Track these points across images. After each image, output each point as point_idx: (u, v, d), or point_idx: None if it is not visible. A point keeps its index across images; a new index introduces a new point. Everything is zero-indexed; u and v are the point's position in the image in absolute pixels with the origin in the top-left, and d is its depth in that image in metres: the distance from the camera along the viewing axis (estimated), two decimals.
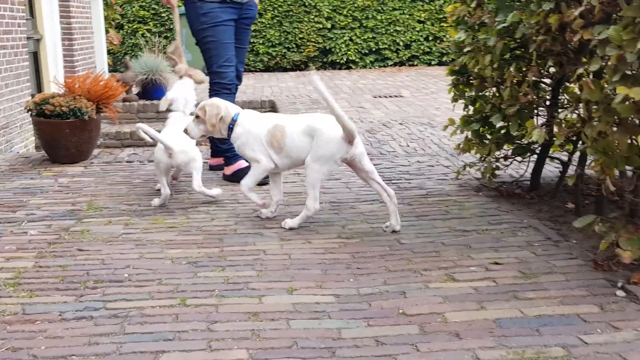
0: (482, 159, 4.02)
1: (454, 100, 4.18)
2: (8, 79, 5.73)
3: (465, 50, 3.87)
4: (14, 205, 3.88)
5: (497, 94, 3.75)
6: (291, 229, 3.41)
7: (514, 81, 3.42)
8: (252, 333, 2.27)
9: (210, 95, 4.55)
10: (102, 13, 9.54)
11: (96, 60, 9.21)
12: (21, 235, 3.33)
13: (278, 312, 2.44)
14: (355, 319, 2.38)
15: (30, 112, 5.06)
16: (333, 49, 13.26)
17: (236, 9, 4.48)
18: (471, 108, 4.05)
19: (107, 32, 9.88)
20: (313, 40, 13.22)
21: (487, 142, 3.93)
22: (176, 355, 2.13)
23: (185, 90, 4.31)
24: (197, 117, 3.58)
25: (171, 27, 13.41)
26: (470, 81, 3.98)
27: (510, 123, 3.56)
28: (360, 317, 2.39)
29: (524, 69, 3.53)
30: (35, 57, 7.17)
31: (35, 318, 2.39)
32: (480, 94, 3.93)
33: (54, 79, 6.39)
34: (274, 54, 13.20)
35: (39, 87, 7.18)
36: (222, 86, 4.50)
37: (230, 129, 3.54)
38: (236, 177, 4.41)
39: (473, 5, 3.74)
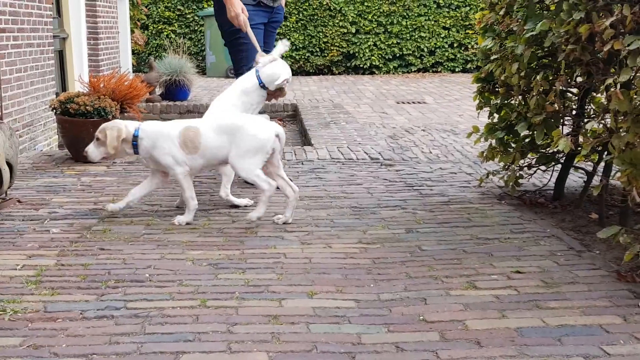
0: (506, 167, 3.99)
1: (479, 107, 4.15)
2: (34, 77, 5.79)
3: (492, 57, 3.84)
4: (36, 203, 3.92)
5: (523, 103, 3.72)
6: (258, 218, 3.49)
7: (541, 90, 3.39)
8: (272, 336, 2.27)
9: None
10: (128, 13, 9.63)
11: (121, 60, 9.29)
12: (44, 233, 3.36)
13: (298, 315, 2.43)
14: (376, 325, 2.36)
15: (54, 111, 5.11)
16: (357, 54, 13.26)
17: (267, 12, 4.49)
18: (496, 116, 4.02)
19: (132, 32, 9.96)
20: (337, 44, 13.24)
21: (511, 150, 3.90)
22: (196, 357, 2.13)
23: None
24: (98, 139, 3.54)
25: (195, 28, 13.51)
26: (496, 89, 3.95)
27: (535, 132, 3.53)
28: (380, 323, 2.38)
29: (551, 78, 3.50)
30: (61, 56, 7.24)
31: (57, 316, 2.40)
32: (506, 102, 3.90)
33: (79, 78, 6.45)
34: (297, 57, 13.23)
35: (63, 86, 7.25)
36: None
37: (135, 145, 3.54)
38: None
39: (501, 13, 3.72)
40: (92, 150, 3.56)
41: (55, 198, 4.03)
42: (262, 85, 4.08)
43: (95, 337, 2.24)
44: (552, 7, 3.29)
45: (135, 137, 3.52)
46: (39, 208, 3.81)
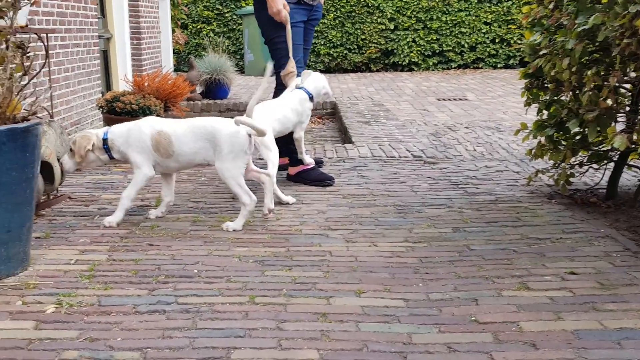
0: (556, 165, 3.91)
1: (527, 104, 4.08)
2: (81, 76, 5.89)
3: (541, 53, 3.77)
4: (86, 199, 3.98)
5: (574, 99, 3.64)
6: (235, 230, 3.39)
7: (593, 85, 3.31)
8: (322, 334, 2.26)
9: (276, 96, 4.56)
10: (169, 13, 9.74)
11: (162, 59, 9.40)
12: (94, 228, 3.41)
13: (347, 314, 2.42)
14: (426, 325, 2.34)
15: (101, 109, 5.19)
16: (395, 51, 13.19)
17: (307, 10, 4.49)
18: (545, 112, 3.94)
19: (173, 31, 10.07)
20: (375, 41, 13.19)
21: (561, 147, 3.82)
22: (247, 352, 2.14)
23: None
24: (71, 149, 3.48)
25: (234, 27, 13.60)
26: (546, 85, 3.87)
27: (588, 129, 3.44)
28: (430, 323, 2.35)
29: (603, 73, 3.42)
30: (105, 56, 7.36)
31: (111, 310, 2.43)
32: (555, 98, 3.82)
33: (124, 77, 6.54)
34: (335, 55, 13.22)
35: (108, 85, 7.37)
36: None
37: (106, 149, 3.46)
38: (300, 178, 4.42)
39: (551, 6, 3.63)
40: (66, 161, 3.51)
41: (104, 195, 4.09)
42: (311, 98, 4.30)
43: (148, 331, 2.26)
44: (605, 0, 3.20)
45: (104, 141, 3.45)
46: (89, 204, 3.88)
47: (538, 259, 2.97)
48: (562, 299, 2.54)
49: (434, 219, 3.57)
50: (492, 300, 2.54)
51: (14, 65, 2.75)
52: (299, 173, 4.44)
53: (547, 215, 3.63)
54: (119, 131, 3.47)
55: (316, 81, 4.35)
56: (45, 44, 3.78)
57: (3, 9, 2.79)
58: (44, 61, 3.86)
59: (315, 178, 4.38)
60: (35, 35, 3.74)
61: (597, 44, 3.40)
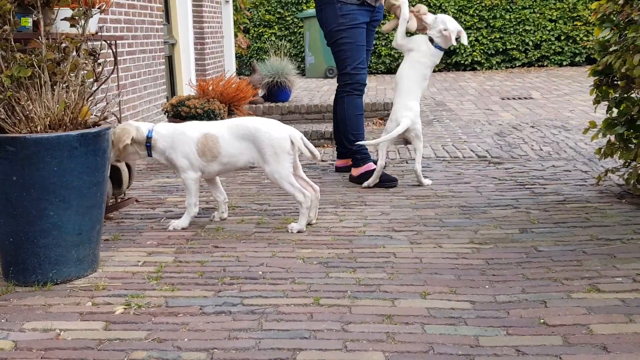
0: (627, 164, 3.79)
1: (596, 101, 3.96)
2: (147, 81, 6.04)
3: (610, 49, 3.65)
4: (153, 202, 4.08)
5: None
6: (299, 232, 3.37)
7: None
8: (387, 336, 2.25)
9: (340, 97, 4.55)
10: (232, 18, 9.88)
11: (225, 63, 9.54)
12: (161, 231, 3.49)
13: (412, 316, 2.40)
14: (494, 327, 2.29)
15: (167, 114, 5.31)
16: (457, 50, 13.02)
17: (370, 11, 4.50)
18: (615, 110, 3.83)
19: (235, 36, 10.21)
20: None
21: (632, 146, 3.70)
22: (313, 354, 2.14)
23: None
24: (112, 141, 3.41)
25: (295, 30, 13.69)
26: (615, 82, 3.76)
27: None
28: (498, 325, 2.30)
29: None
30: (170, 61, 7.52)
31: (178, 311, 2.48)
32: (626, 95, 3.71)
33: (189, 82, 6.67)
34: (396, 55, 13.14)
35: (172, 90, 7.53)
36: (354, 87, 4.52)
37: (148, 147, 3.44)
38: (363, 178, 4.41)
39: (621, 2, 3.53)
40: None
41: (169, 197, 4.18)
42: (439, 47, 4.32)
43: (215, 332, 2.30)
44: None
45: (148, 139, 3.44)
46: (155, 207, 3.97)
47: (608, 260, 2.88)
48: (634, 301, 2.46)
49: (500, 220, 3.51)
50: (561, 302, 2.47)
51: (85, 72, 2.84)
52: (362, 174, 4.44)
53: (618, 215, 3.51)
54: (165, 134, 3.45)
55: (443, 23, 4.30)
56: (114, 50, 3.89)
57: (75, 17, 2.89)
58: (112, 67, 3.98)
59: (379, 179, 4.37)
60: (105, 42, 3.86)
61: None
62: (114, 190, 3.81)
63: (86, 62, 2.79)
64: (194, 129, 3.47)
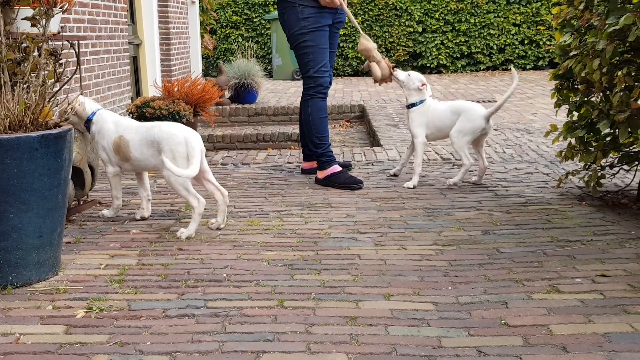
0: (587, 166, 3.86)
1: (557, 105, 4.04)
2: (111, 82, 5.97)
3: (571, 54, 3.73)
4: None
5: (605, 100, 3.59)
6: (188, 238, 3.35)
7: (624, 86, 3.27)
8: (351, 337, 2.26)
9: (304, 100, 4.57)
10: (198, 18, 9.82)
11: (191, 64, 9.49)
12: (124, 233, 3.45)
13: (376, 317, 2.41)
14: (456, 328, 2.32)
15: (131, 115, 5.26)
16: (423, 53, 13.14)
17: (332, 13, 4.51)
18: (575, 114, 3.90)
19: (202, 37, 10.16)
20: (403, 44, 13.15)
21: (592, 149, 3.77)
22: (277, 356, 2.14)
23: None
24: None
25: (262, 32, 13.67)
26: (576, 86, 3.83)
27: (619, 130, 3.39)
28: (460, 326, 2.33)
29: (634, 74, 3.37)
30: (135, 62, 7.45)
31: (140, 314, 2.46)
32: (586, 99, 3.78)
33: (154, 83, 6.61)
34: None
35: (137, 91, 7.46)
36: (317, 90, 4.52)
37: (87, 127, 3.58)
38: (329, 181, 4.43)
39: (581, 7, 3.60)
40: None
41: (133, 199, 4.13)
42: None
43: (178, 335, 2.28)
44: (636, 0, 3.15)
45: (88, 121, 3.55)
46: None
47: (568, 261, 2.94)
48: (593, 301, 2.51)
49: (463, 222, 3.55)
50: (522, 303, 2.51)
51: (46, 72, 2.80)
52: (327, 176, 4.45)
53: (578, 217, 3.58)
54: (102, 118, 3.53)
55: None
56: (77, 50, 3.84)
57: (36, 17, 2.85)
58: (75, 68, 3.92)
59: (344, 181, 4.38)
60: (67, 42, 3.81)
61: (628, 44, 3.36)
62: (77, 192, 3.76)
63: (47, 62, 2.75)
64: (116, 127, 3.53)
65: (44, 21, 2.84)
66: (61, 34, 3.24)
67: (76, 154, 3.61)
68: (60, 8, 3.05)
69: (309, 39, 4.42)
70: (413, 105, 4.43)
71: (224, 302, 2.56)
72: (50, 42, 2.93)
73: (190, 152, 3.33)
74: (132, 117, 5.27)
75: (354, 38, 13.18)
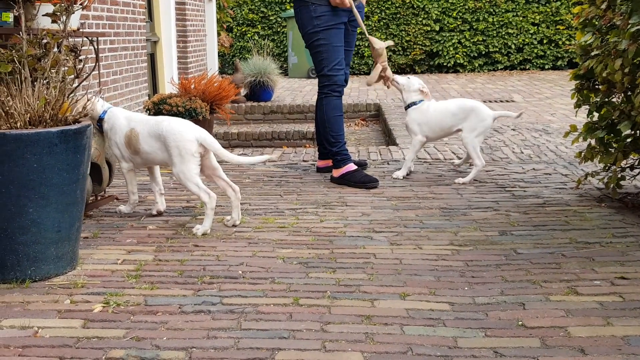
0: (606, 168, 3.83)
1: (577, 105, 4.00)
2: (128, 79, 6.00)
3: (592, 54, 3.69)
4: None
5: (627, 100, 3.55)
6: (204, 234, 3.36)
7: None
8: (366, 336, 2.25)
9: (320, 98, 4.56)
10: (215, 16, 9.84)
11: (207, 62, 9.51)
12: (141, 229, 3.47)
13: (391, 316, 2.40)
14: (472, 329, 2.31)
15: (148, 112, 5.28)
16: (440, 52, 13.08)
17: (347, 11, 4.49)
18: (596, 114, 3.86)
19: (218, 34, 10.18)
20: (420, 43, 13.10)
21: (612, 150, 3.73)
22: (292, 354, 2.14)
23: None
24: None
25: (278, 30, 13.68)
26: (597, 86, 3.79)
27: None
28: (476, 327, 2.32)
29: None
30: (152, 59, 7.49)
31: (157, 310, 2.47)
32: (607, 99, 3.74)
33: (171, 80, 6.63)
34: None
35: (154, 88, 7.49)
36: (332, 89, 4.52)
37: (99, 125, 3.60)
38: (344, 180, 4.42)
39: (603, 6, 3.56)
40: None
41: (150, 196, 4.15)
42: None
43: (194, 331, 2.29)
44: None
45: (100, 120, 3.58)
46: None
47: (587, 263, 2.91)
48: (612, 304, 2.48)
49: (480, 222, 3.53)
50: (539, 304, 2.49)
51: (66, 68, 2.81)
52: (343, 175, 4.44)
53: (597, 219, 3.55)
54: (114, 115, 3.55)
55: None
56: (96, 47, 3.87)
57: (57, 13, 2.86)
58: (94, 64, 3.95)
59: (360, 180, 4.37)
60: (86, 39, 3.83)
61: None
62: (94, 187, 3.78)
63: (67, 58, 2.76)
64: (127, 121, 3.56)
65: (64, 17, 2.85)
66: (81, 30, 3.26)
67: (94, 150, 3.64)
68: (80, 4, 3.07)
69: (322, 37, 4.41)
70: (413, 104, 4.54)
71: (239, 298, 2.57)
72: (70, 39, 2.95)
73: (211, 146, 3.38)
74: (149, 114, 5.29)
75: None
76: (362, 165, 4.76)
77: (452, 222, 3.54)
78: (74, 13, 2.89)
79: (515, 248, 3.12)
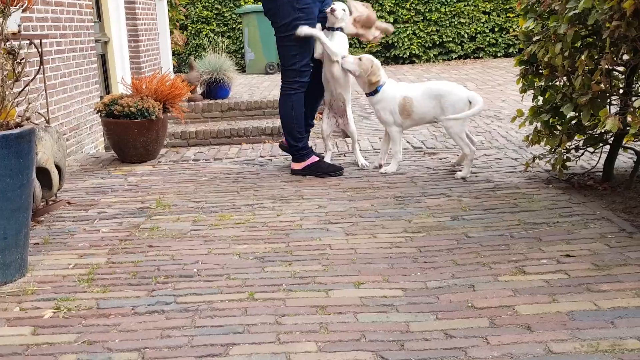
0: (552, 150, 3.91)
1: (523, 90, 4.08)
2: (78, 81, 5.91)
3: (534, 39, 3.77)
4: (86, 204, 3.99)
5: (568, 83, 3.64)
6: (463, 178, 4.13)
7: (586, 69, 3.31)
8: (320, 326, 2.27)
9: (287, 94, 4.51)
10: (166, 14, 9.74)
11: (161, 61, 9.41)
12: (94, 232, 3.43)
13: (345, 305, 2.43)
14: (424, 312, 2.35)
15: (99, 113, 5.21)
16: (396, 44, 13.17)
17: (320, 2, 4.45)
18: (540, 98, 3.95)
19: (171, 33, 10.07)
20: None
21: (557, 132, 3.82)
22: (246, 348, 2.15)
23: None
24: (360, 59, 4.42)
25: (234, 26, 13.60)
26: (540, 71, 3.88)
27: (582, 113, 3.45)
28: (428, 311, 2.36)
29: (596, 57, 3.42)
30: (103, 59, 7.38)
31: (109, 312, 2.45)
32: (550, 83, 3.83)
33: (122, 80, 6.55)
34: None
35: (106, 89, 7.38)
36: (301, 84, 4.46)
37: (375, 91, 4.34)
38: (309, 171, 4.47)
39: None
40: (350, 62, 4.41)
41: (103, 198, 4.11)
42: None
43: (147, 332, 2.28)
44: None
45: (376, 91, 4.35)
46: (88, 209, 3.89)
47: (535, 243, 2.98)
48: (558, 281, 2.55)
49: (433, 209, 3.58)
50: (488, 285, 2.54)
51: (5, 72, 2.76)
52: (308, 167, 4.46)
53: (544, 200, 3.63)
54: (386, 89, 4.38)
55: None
56: (39, 49, 3.80)
57: None
58: (38, 67, 3.88)
59: (327, 170, 4.44)
60: (28, 41, 3.76)
61: (589, 28, 3.40)
62: (44, 192, 3.72)
63: (6, 61, 2.71)
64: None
65: (1, 20, 2.80)
66: (21, 33, 3.20)
67: (42, 154, 3.58)
68: (20, 6, 3.01)
69: (293, 33, 4.32)
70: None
71: (194, 296, 2.56)
72: (8, 42, 2.89)
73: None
74: (100, 116, 5.22)
75: None
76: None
77: (406, 210, 3.58)
78: (10, 15, 2.83)
79: (467, 232, 3.17)
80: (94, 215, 3.74)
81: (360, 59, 4.45)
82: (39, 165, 3.46)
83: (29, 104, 2.79)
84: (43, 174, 3.63)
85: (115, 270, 2.87)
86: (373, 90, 4.42)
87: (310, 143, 4.64)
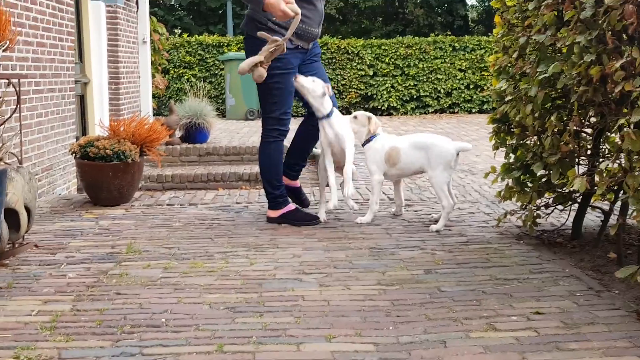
0: (523, 206, 3.97)
1: (495, 147, 4.17)
2: (54, 121, 5.88)
3: (506, 99, 3.87)
4: (53, 247, 3.91)
5: (539, 143, 3.73)
6: (437, 231, 4.12)
7: (555, 130, 3.41)
8: None
9: (267, 142, 4.50)
10: (149, 58, 9.80)
11: (141, 103, 9.43)
12: (60, 277, 3.35)
13: None
14: None
15: (74, 155, 5.17)
16: (374, 96, 13.38)
17: (303, 53, 4.47)
18: (512, 156, 4.03)
19: (153, 76, 10.13)
20: (355, 86, 13.37)
21: (528, 190, 3.89)
22: None
23: None
24: (355, 117, 4.57)
25: (216, 72, 13.71)
26: (512, 129, 3.98)
27: (551, 171, 3.53)
28: None
29: (565, 119, 3.52)
30: (82, 100, 7.37)
31: None
32: (521, 142, 3.92)
33: (100, 122, 6.54)
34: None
35: (84, 130, 7.35)
36: (281, 132, 4.49)
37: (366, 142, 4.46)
38: (285, 219, 4.46)
39: (514, 56, 3.78)
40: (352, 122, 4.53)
41: (72, 242, 4.03)
42: None
43: None
44: (564, 50, 3.34)
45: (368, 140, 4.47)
46: (55, 252, 3.81)
47: (506, 299, 2.98)
48: (527, 339, 2.55)
49: (407, 261, 3.58)
50: (460, 342, 2.53)
51: None
52: (284, 215, 4.45)
53: (516, 255, 3.66)
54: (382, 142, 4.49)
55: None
56: (17, 89, 3.79)
57: None
58: (15, 106, 3.87)
59: (302, 218, 4.46)
60: (6, 81, 3.75)
61: (558, 91, 3.52)
62: (11, 234, 3.64)
63: None
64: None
65: None
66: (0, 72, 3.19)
67: (12, 195, 3.52)
68: (1, 47, 3.02)
69: (279, 81, 4.33)
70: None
71: (160, 348, 2.50)
72: None
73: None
74: (75, 157, 5.18)
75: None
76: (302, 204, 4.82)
77: (380, 262, 3.58)
78: None
79: (439, 286, 3.17)
80: (62, 260, 3.67)
81: (355, 117, 4.59)
82: (7, 206, 3.40)
83: (2, 144, 2.77)
84: (11, 215, 3.57)
85: (80, 318, 2.80)
86: (366, 140, 4.57)
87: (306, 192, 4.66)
